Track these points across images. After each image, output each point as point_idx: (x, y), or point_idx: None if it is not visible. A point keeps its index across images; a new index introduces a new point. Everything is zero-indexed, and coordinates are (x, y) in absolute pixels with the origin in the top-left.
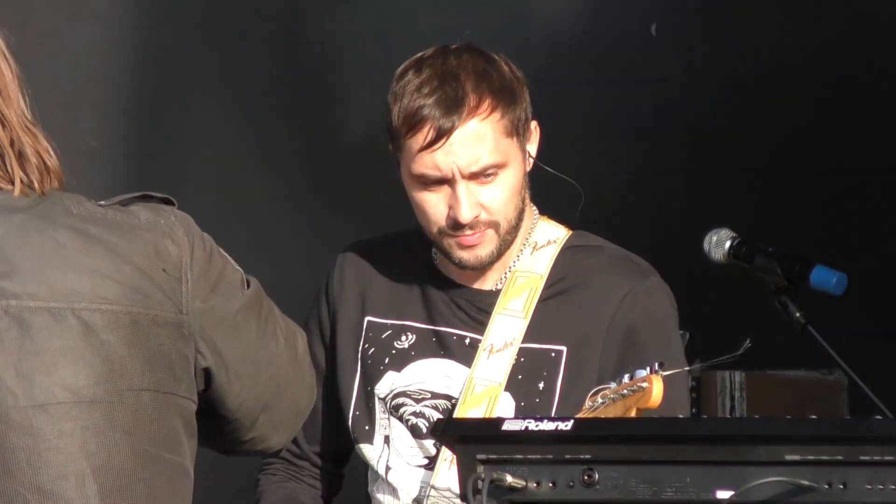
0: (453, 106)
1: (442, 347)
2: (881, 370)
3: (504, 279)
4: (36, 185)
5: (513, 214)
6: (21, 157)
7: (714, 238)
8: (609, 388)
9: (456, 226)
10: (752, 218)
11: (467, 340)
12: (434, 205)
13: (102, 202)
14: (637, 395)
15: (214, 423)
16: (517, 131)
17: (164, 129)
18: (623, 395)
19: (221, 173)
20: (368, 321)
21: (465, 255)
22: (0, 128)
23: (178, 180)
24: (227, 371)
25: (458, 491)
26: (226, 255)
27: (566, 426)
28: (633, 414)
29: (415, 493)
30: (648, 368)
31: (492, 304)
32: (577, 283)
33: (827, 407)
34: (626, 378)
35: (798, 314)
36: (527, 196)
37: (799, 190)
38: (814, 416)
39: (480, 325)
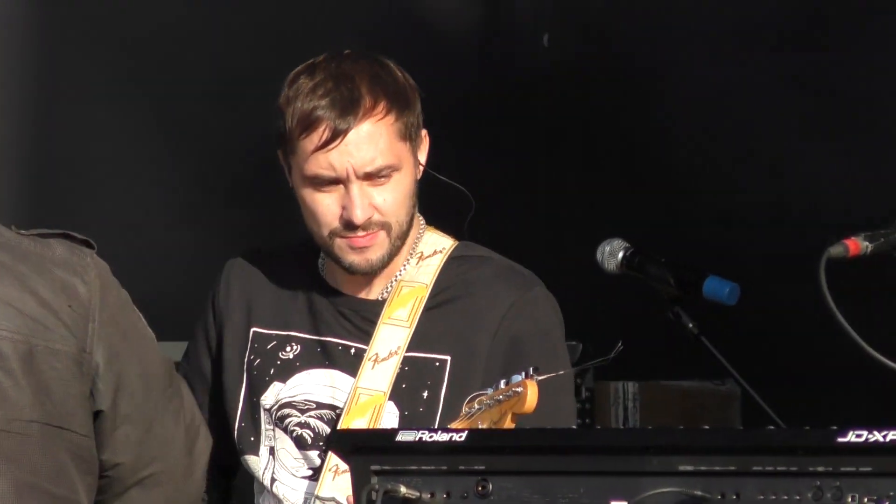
0: (349, 107)
1: (327, 357)
2: (774, 380)
3: (390, 289)
4: None
5: (404, 219)
6: None
7: (607, 248)
8: (486, 393)
9: (348, 226)
10: (645, 228)
11: (352, 350)
12: (327, 206)
13: (22, 231)
14: (512, 400)
15: None
16: (410, 136)
17: (58, 133)
18: (499, 401)
19: (114, 178)
20: (254, 332)
21: (355, 259)
22: None
23: (69, 188)
24: (114, 421)
25: (342, 502)
26: (139, 315)
27: (460, 437)
28: (508, 419)
29: (298, 503)
30: (524, 373)
31: (377, 314)
32: (462, 294)
33: (720, 417)
34: (502, 384)
35: (691, 324)
36: (416, 205)
37: (690, 201)
38: (707, 427)
39: (366, 334)
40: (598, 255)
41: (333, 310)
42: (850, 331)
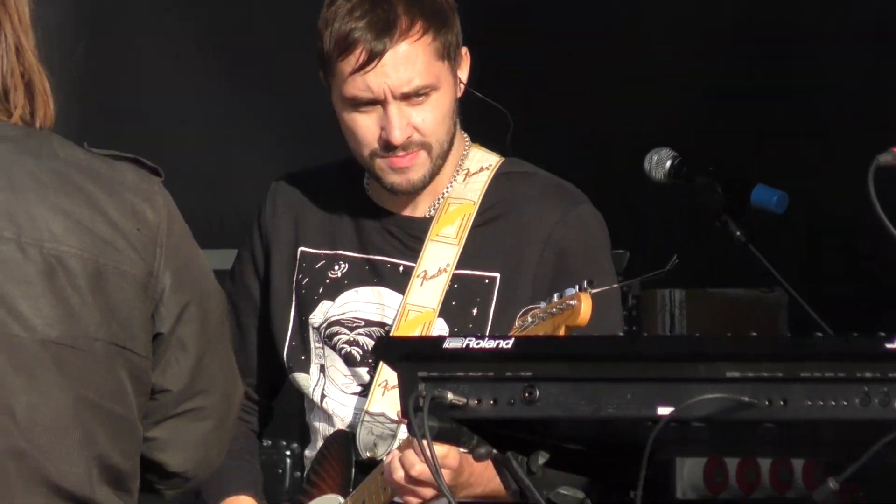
0: (385, 28)
1: (375, 275)
2: (821, 287)
3: (436, 206)
4: (38, 120)
5: (444, 138)
6: (28, 87)
7: (655, 158)
8: (539, 307)
9: (388, 147)
10: (694, 138)
11: (401, 268)
12: (366, 126)
13: (93, 150)
14: (566, 313)
15: None
16: (448, 55)
17: (113, 58)
18: (552, 314)
19: (172, 99)
20: (302, 252)
21: (396, 179)
22: (15, 56)
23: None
24: (169, 346)
25: (392, 416)
26: (200, 250)
27: (507, 344)
28: (562, 332)
29: (349, 420)
30: (577, 287)
31: (424, 231)
32: (509, 210)
33: (767, 324)
34: (555, 297)
35: (738, 233)
36: (457, 123)
37: (740, 110)
38: (754, 334)
39: (413, 252)
40: (646, 165)
41: (381, 228)
42: None
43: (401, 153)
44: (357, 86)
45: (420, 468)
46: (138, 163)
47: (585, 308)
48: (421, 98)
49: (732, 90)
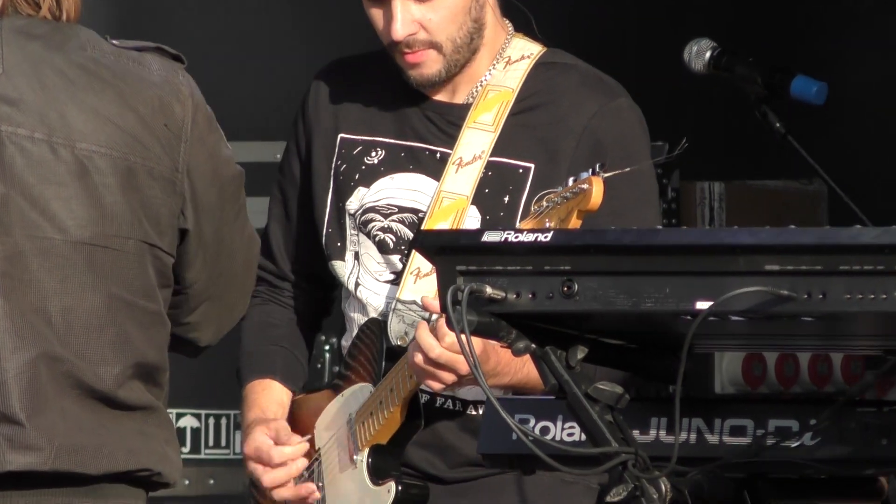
0: None
1: (412, 161)
2: (861, 179)
3: (475, 93)
4: (64, 13)
5: (456, 35)
6: None
7: (695, 48)
8: (555, 192)
9: (396, 42)
10: (733, 28)
11: (438, 155)
12: (378, 21)
13: (116, 42)
14: (579, 197)
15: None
16: None
17: None
18: (566, 198)
19: None
20: (342, 138)
21: (412, 74)
22: None
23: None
24: (199, 239)
25: (423, 304)
26: (222, 132)
27: (546, 237)
28: (574, 216)
29: (382, 308)
30: (590, 171)
31: (462, 118)
32: (547, 100)
33: (807, 216)
34: (570, 181)
35: (778, 124)
36: (488, 14)
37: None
38: (793, 226)
39: (450, 138)
40: (686, 55)
41: (420, 113)
42: None
43: (408, 50)
44: None
45: (438, 351)
46: (160, 51)
47: (597, 191)
48: None
49: None
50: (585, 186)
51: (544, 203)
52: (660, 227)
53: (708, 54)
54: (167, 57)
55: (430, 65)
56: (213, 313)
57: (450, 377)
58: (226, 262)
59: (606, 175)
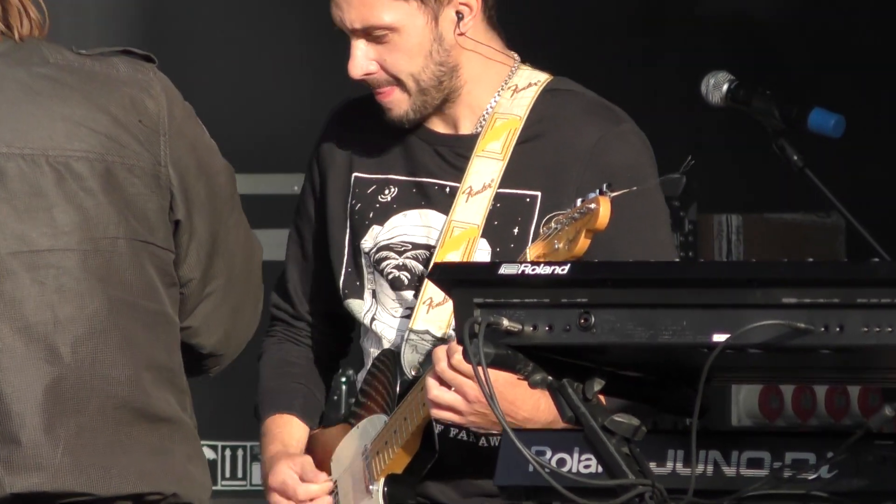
0: None
1: (423, 198)
2: (879, 212)
3: (482, 123)
4: (15, 31)
5: (421, 76)
6: (3, 1)
7: (712, 81)
8: (563, 213)
9: (360, 81)
10: (750, 61)
11: (447, 189)
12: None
13: (82, 51)
14: (586, 217)
15: None
16: None
17: None
18: (574, 219)
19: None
20: (356, 177)
21: (384, 113)
22: None
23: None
24: (191, 232)
25: (436, 334)
26: (203, 127)
27: (563, 270)
28: (582, 237)
29: (396, 341)
30: (598, 190)
31: (470, 149)
32: (552, 128)
33: (824, 250)
34: (578, 202)
35: (796, 157)
36: (445, 61)
37: (795, 34)
38: (811, 259)
39: (459, 171)
40: (703, 88)
41: (429, 149)
42: None
43: (377, 90)
44: (332, 14)
45: (443, 365)
46: (129, 53)
47: (604, 211)
48: (380, 36)
49: (791, 12)
50: (593, 206)
51: (553, 225)
52: (672, 246)
53: (725, 87)
54: (137, 58)
55: (397, 104)
56: (214, 317)
57: (454, 398)
58: (222, 262)
59: (614, 194)
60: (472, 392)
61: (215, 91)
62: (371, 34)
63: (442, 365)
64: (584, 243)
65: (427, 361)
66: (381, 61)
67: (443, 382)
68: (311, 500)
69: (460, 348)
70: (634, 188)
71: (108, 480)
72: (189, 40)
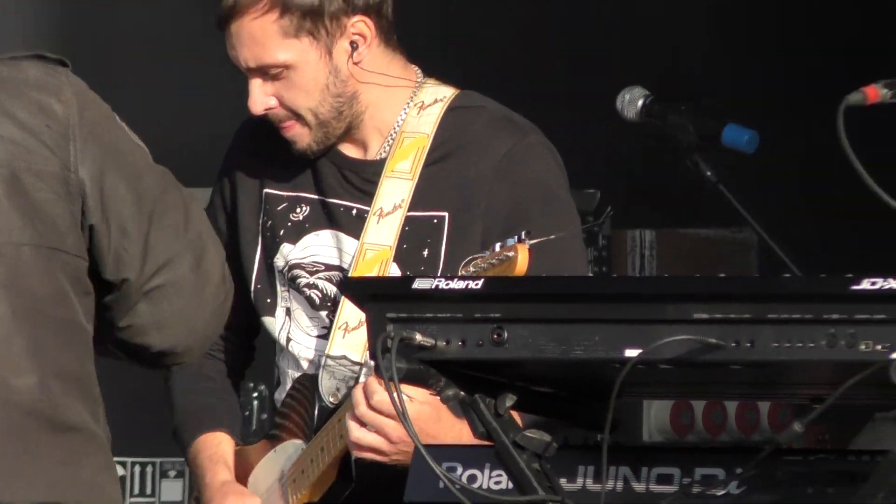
0: (231, 2)
1: (333, 219)
2: (790, 228)
3: (388, 146)
4: None
5: (319, 109)
6: None
7: (627, 96)
8: (481, 257)
9: (261, 116)
10: (666, 77)
11: (354, 211)
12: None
13: None
14: (505, 264)
15: (98, 296)
16: (308, 31)
17: None
18: (493, 265)
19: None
20: (266, 193)
21: (291, 146)
22: None
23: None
24: (109, 236)
25: (353, 358)
26: (127, 129)
27: (476, 285)
28: None
29: (314, 361)
30: (516, 237)
31: (378, 174)
32: (458, 146)
33: (737, 265)
34: (497, 247)
35: (709, 172)
36: (343, 92)
37: (709, 50)
38: (722, 274)
39: (367, 195)
40: (618, 103)
41: (336, 171)
42: (866, 177)
43: (279, 124)
44: (228, 54)
45: (363, 408)
46: (42, 58)
47: (522, 259)
48: (276, 74)
49: (707, 30)
50: (511, 254)
51: (471, 268)
52: (585, 261)
53: (640, 102)
54: (49, 62)
55: (300, 137)
56: (158, 316)
57: (376, 440)
58: (157, 261)
59: (532, 242)
60: (395, 433)
61: (154, 110)
62: (267, 72)
63: (361, 408)
64: None
65: (345, 387)
66: (279, 97)
67: (363, 424)
68: None
69: (379, 388)
70: (552, 236)
71: (14, 488)
72: (124, 55)
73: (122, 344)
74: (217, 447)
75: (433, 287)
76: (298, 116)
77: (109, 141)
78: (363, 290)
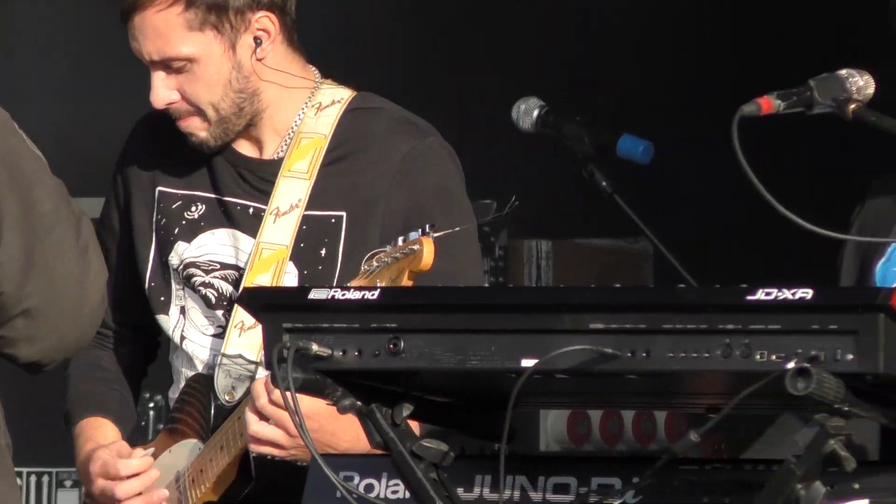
0: None
1: (229, 217)
2: (686, 239)
3: (285, 145)
4: None
5: (221, 104)
6: None
7: (522, 107)
8: (384, 251)
9: (162, 110)
10: (561, 87)
11: (250, 210)
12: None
13: None
14: (409, 258)
15: None
16: (212, 24)
17: None
18: (396, 258)
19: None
20: (160, 191)
21: (188, 140)
22: None
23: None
24: None
25: (249, 357)
26: (24, 135)
27: (373, 295)
28: (405, 277)
29: (208, 362)
30: (420, 231)
31: (274, 174)
32: (356, 148)
33: (633, 275)
34: (399, 241)
35: (605, 183)
36: (244, 88)
37: (604, 62)
38: (618, 285)
39: (264, 194)
40: (514, 114)
41: (232, 170)
42: (760, 188)
43: (178, 117)
44: (131, 46)
45: (263, 400)
46: None
47: (427, 252)
48: (178, 66)
49: (601, 40)
50: (416, 247)
51: (374, 263)
52: (481, 271)
53: (536, 113)
54: None
55: (198, 131)
56: (32, 332)
57: (275, 433)
58: (42, 279)
59: (436, 235)
60: (294, 427)
61: (45, 115)
62: (170, 65)
63: (262, 400)
64: (406, 283)
65: (241, 386)
66: (181, 91)
67: (263, 417)
68: (136, 474)
69: (275, 389)
70: (457, 228)
71: None
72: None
73: None
74: (95, 430)
75: (329, 297)
76: (199, 111)
77: (5, 151)
78: (259, 301)
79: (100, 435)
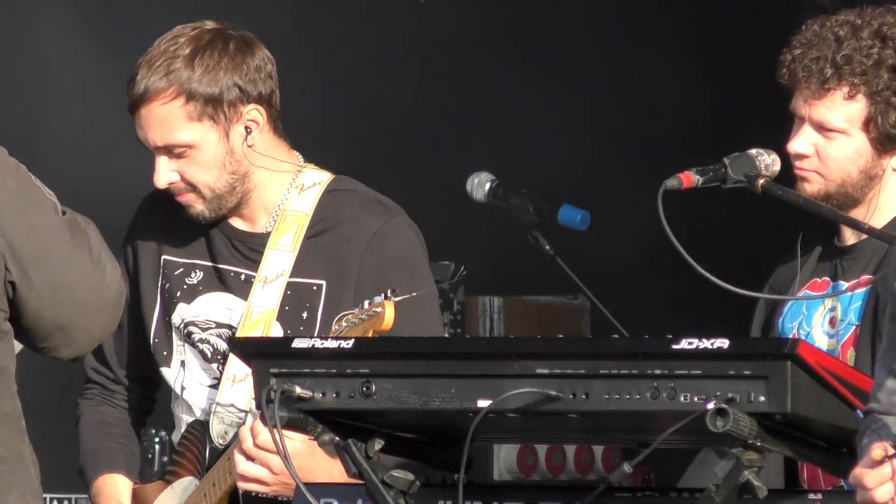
0: (141, 86)
1: (223, 283)
2: (618, 295)
3: (273, 220)
4: None
5: (216, 184)
6: None
7: (476, 180)
8: (352, 313)
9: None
10: (509, 163)
11: (242, 276)
12: (152, 170)
13: None
14: (374, 319)
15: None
16: (210, 116)
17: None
18: (362, 319)
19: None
20: (164, 259)
21: (186, 212)
22: None
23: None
24: (30, 287)
25: (240, 406)
26: (39, 182)
27: (348, 345)
28: (370, 335)
29: (205, 409)
30: (383, 295)
31: (263, 245)
32: (333, 224)
33: (572, 327)
34: (365, 304)
35: (548, 247)
36: (236, 170)
37: (545, 136)
38: (561, 336)
39: (254, 262)
40: (468, 187)
41: (227, 241)
42: (682, 252)
43: (176, 194)
44: (137, 134)
45: (249, 443)
46: None
47: (389, 314)
48: (179, 151)
49: (546, 119)
50: (379, 310)
51: (343, 323)
52: (441, 324)
53: (487, 186)
54: None
55: (195, 206)
56: (69, 338)
57: (260, 472)
58: (69, 298)
59: (397, 299)
60: (277, 465)
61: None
62: (171, 151)
63: (248, 443)
64: None
65: (233, 431)
66: (181, 172)
67: (249, 458)
68: None
69: (264, 429)
70: (415, 293)
71: None
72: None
73: (42, 354)
74: (113, 487)
75: (310, 346)
76: (196, 189)
77: (24, 206)
78: (249, 349)
79: (117, 492)
